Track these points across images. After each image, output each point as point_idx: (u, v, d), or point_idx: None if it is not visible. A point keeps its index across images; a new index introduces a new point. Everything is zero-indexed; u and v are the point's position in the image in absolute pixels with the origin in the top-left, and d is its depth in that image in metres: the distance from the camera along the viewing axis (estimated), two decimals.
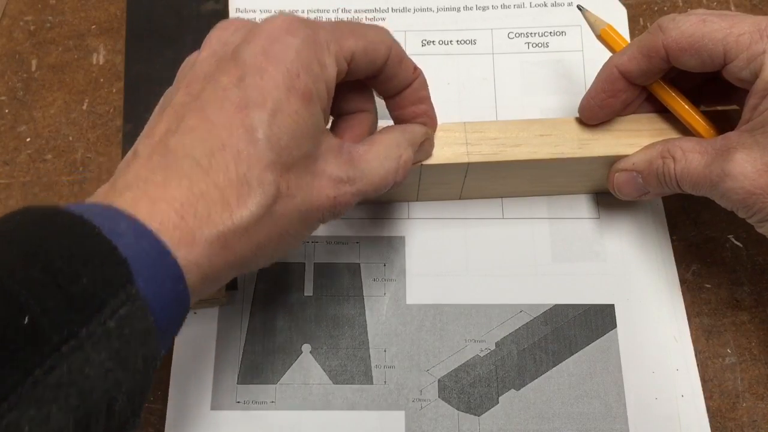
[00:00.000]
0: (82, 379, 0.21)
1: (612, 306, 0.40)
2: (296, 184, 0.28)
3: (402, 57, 0.33)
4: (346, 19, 0.47)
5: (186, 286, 0.25)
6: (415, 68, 0.34)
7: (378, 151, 0.32)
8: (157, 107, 0.30)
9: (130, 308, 0.23)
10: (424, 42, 0.47)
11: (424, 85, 0.35)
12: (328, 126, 0.33)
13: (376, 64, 0.32)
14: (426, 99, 0.35)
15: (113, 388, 0.22)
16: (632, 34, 0.47)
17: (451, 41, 0.47)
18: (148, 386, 0.24)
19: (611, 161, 0.38)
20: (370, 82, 0.34)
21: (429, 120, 0.36)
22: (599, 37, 0.38)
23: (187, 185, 0.26)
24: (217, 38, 0.30)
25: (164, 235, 0.24)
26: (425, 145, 0.36)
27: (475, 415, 0.38)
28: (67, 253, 0.22)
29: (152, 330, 0.23)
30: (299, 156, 0.28)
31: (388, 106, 0.35)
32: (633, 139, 0.38)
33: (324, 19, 0.48)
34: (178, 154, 0.26)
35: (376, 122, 0.36)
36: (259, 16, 0.48)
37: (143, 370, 0.23)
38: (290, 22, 0.29)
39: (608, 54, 0.38)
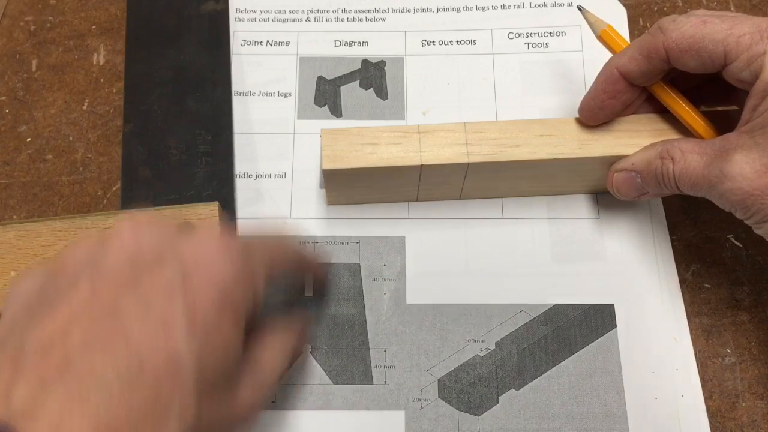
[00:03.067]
0: None
1: (612, 306, 0.41)
2: (216, 414, 0.26)
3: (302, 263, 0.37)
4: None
5: None
6: (317, 266, 0.39)
7: (271, 356, 0.31)
8: (34, 286, 0.25)
9: None
10: (424, 42, 0.47)
11: (324, 270, 0.40)
12: None
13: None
14: (324, 268, 0.40)
15: None
16: (632, 35, 0.47)
17: (451, 41, 0.47)
18: None
19: (611, 161, 0.38)
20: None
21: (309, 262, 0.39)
22: (599, 38, 0.38)
23: (93, 413, 0.21)
24: (132, 241, 0.26)
25: None
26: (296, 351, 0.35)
27: (475, 415, 0.38)
28: None
29: None
30: (222, 381, 0.26)
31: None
32: (633, 140, 0.38)
33: (324, 20, 0.48)
34: (84, 372, 0.22)
35: None
36: (259, 17, 0.48)
37: None
38: (227, 239, 0.27)
39: (608, 54, 0.38)
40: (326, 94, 0.46)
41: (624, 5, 0.48)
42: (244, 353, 0.28)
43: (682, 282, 0.41)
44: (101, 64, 0.47)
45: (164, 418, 0.23)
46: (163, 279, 0.25)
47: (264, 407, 0.32)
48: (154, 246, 0.26)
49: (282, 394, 0.39)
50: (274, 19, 0.48)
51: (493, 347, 0.40)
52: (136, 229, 0.27)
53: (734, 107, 0.38)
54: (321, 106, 0.45)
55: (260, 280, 0.28)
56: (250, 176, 0.43)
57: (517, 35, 0.47)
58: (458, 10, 0.48)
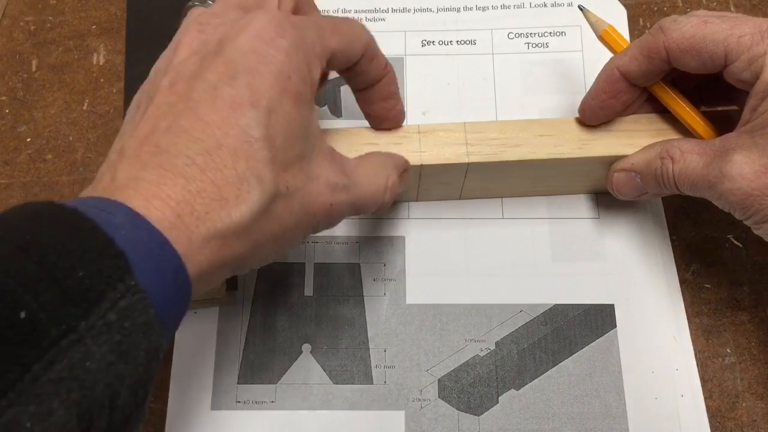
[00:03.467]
0: (83, 373, 0.21)
1: (612, 306, 0.41)
2: (293, 185, 0.28)
3: (375, 53, 0.33)
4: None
5: (188, 277, 0.25)
6: (387, 64, 0.35)
7: (367, 168, 0.32)
8: (135, 105, 0.29)
9: (129, 300, 0.22)
10: (424, 42, 0.47)
11: (394, 80, 0.36)
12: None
13: (352, 60, 0.32)
14: (395, 95, 0.36)
15: (116, 381, 0.22)
16: (632, 35, 0.47)
17: (451, 41, 0.47)
18: (150, 379, 0.24)
19: (611, 161, 0.38)
20: (341, 73, 0.34)
21: (398, 115, 0.37)
22: (600, 38, 0.38)
23: (182, 183, 0.25)
24: (196, 37, 0.29)
25: (161, 231, 0.24)
26: (405, 175, 0.36)
27: (475, 415, 0.38)
28: (61, 246, 0.22)
29: (154, 322, 0.23)
30: (294, 157, 0.28)
31: (358, 100, 0.36)
32: (633, 140, 0.38)
33: None
34: (171, 152, 0.26)
35: None
36: None
37: (145, 363, 0.23)
38: (278, 22, 0.28)
39: (608, 54, 0.38)
40: (326, 95, 0.46)
41: (624, 5, 0.48)
42: (327, 145, 0.31)
43: (682, 282, 0.41)
44: (101, 64, 0.47)
45: (244, 185, 0.26)
46: (227, 67, 0.27)
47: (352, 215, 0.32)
48: (215, 36, 0.28)
49: (282, 394, 0.39)
50: None
51: (493, 347, 0.40)
52: (199, 23, 0.29)
53: (734, 108, 0.38)
54: (321, 107, 0.45)
55: (315, 58, 0.29)
56: None
57: (517, 35, 0.47)
58: (458, 10, 0.48)
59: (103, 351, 0.21)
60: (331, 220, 0.30)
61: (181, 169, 0.25)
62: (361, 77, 0.34)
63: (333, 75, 0.46)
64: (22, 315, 0.20)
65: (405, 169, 0.36)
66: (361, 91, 0.35)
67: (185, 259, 0.25)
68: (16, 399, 0.20)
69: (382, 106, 0.36)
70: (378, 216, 0.43)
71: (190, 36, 0.29)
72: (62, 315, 0.21)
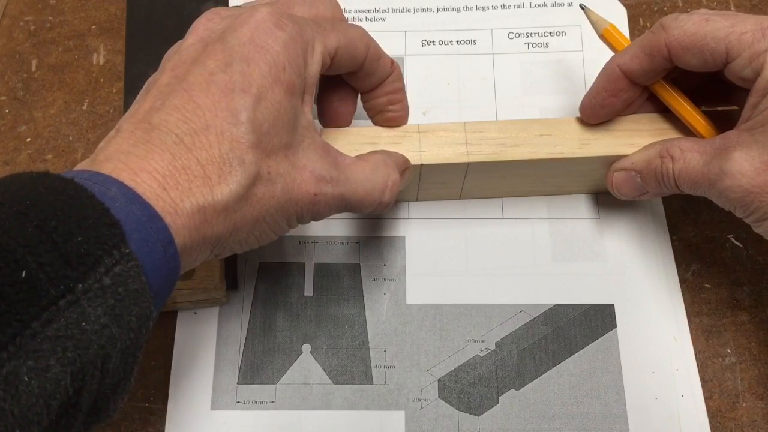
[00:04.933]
0: (79, 333, 0.22)
1: (612, 306, 0.40)
2: (276, 171, 0.29)
3: (380, 53, 0.34)
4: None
5: (176, 251, 0.26)
6: (393, 62, 0.36)
7: (365, 166, 0.33)
8: (142, 91, 0.31)
9: (123, 267, 0.23)
10: (424, 42, 0.47)
11: (400, 76, 0.37)
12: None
13: (357, 60, 0.33)
14: (401, 90, 0.37)
15: (108, 343, 0.23)
16: (632, 34, 0.47)
17: (451, 41, 0.47)
18: (140, 346, 0.25)
19: (611, 161, 0.38)
20: (348, 78, 0.35)
21: (402, 111, 0.37)
22: (602, 37, 0.38)
23: (169, 159, 0.26)
24: (203, 26, 0.31)
25: (149, 203, 0.25)
26: (406, 174, 0.37)
27: (475, 415, 0.38)
28: (60, 213, 0.23)
29: (145, 289, 0.24)
30: (279, 144, 0.29)
31: (364, 100, 0.37)
32: (633, 139, 0.38)
33: None
34: (162, 130, 0.27)
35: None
36: None
37: (136, 329, 0.24)
38: (279, 15, 0.30)
39: (608, 54, 0.38)
40: None
41: (624, 5, 0.48)
42: (322, 140, 0.32)
43: (682, 282, 0.41)
44: (101, 64, 0.47)
45: (227, 165, 0.27)
46: (225, 55, 0.29)
47: (350, 211, 0.33)
48: (221, 26, 0.30)
49: (282, 394, 0.39)
50: None
51: (493, 347, 0.40)
52: (209, 16, 0.31)
53: (734, 107, 0.38)
54: None
55: (314, 53, 0.31)
56: None
57: (517, 35, 0.47)
58: (458, 10, 0.48)
59: (97, 313, 0.22)
60: (315, 210, 0.31)
61: (170, 147, 0.27)
62: (370, 78, 0.35)
63: None
64: (23, 274, 0.21)
65: (406, 168, 0.36)
66: (368, 92, 0.36)
67: (172, 228, 0.26)
68: (15, 353, 0.20)
69: (389, 100, 0.36)
70: (379, 215, 0.43)
71: (199, 26, 0.31)
72: (60, 276, 0.22)
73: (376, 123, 0.38)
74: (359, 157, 0.34)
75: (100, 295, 0.22)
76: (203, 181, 0.27)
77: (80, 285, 0.22)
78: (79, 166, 0.27)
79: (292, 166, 0.30)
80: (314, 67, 0.31)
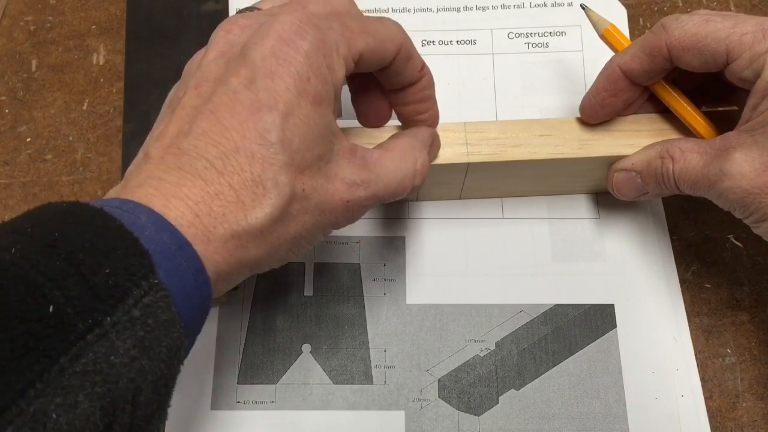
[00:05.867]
0: (107, 367, 0.21)
1: (612, 306, 0.41)
2: (311, 187, 0.28)
3: (410, 55, 0.33)
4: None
5: (207, 278, 0.25)
6: (423, 66, 0.34)
7: (393, 156, 0.32)
8: (165, 106, 0.30)
9: (152, 298, 0.23)
10: (424, 42, 0.47)
11: (431, 84, 0.35)
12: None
13: (385, 61, 0.32)
14: (430, 98, 0.35)
15: (138, 376, 0.22)
16: (632, 34, 0.47)
17: (451, 41, 0.47)
18: (173, 377, 0.24)
19: (611, 161, 0.38)
20: (375, 74, 0.34)
21: (431, 119, 0.36)
22: (602, 37, 0.38)
23: (201, 185, 0.26)
24: (223, 38, 0.30)
25: (180, 231, 0.25)
26: (434, 146, 0.36)
27: (475, 415, 0.38)
28: (88, 244, 0.22)
29: (176, 320, 0.24)
30: (311, 159, 0.28)
31: (392, 100, 0.35)
32: (633, 140, 0.38)
33: None
34: (192, 155, 0.26)
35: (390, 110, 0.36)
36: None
37: (167, 360, 0.23)
38: (299, 23, 0.28)
39: (608, 54, 0.38)
40: None
41: (624, 5, 0.48)
42: (348, 142, 0.31)
43: (682, 282, 0.41)
44: (101, 64, 0.47)
45: (260, 188, 0.26)
46: (247, 71, 0.28)
47: (368, 200, 0.31)
48: (241, 39, 0.29)
49: (282, 394, 0.39)
50: None
51: (493, 347, 0.40)
52: (227, 27, 0.30)
53: (734, 108, 0.38)
54: None
55: (339, 58, 0.29)
56: None
57: (517, 35, 0.47)
58: (458, 10, 0.48)
59: (126, 346, 0.22)
60: (350, 215, 0.30)
61: (201, 172, 0.26)
62: (396, 78, 0.33)
63: None
64: (51, 309, 0.21)
65: (433, 141, 0.35)
66: (395, 92, 0.35)
67: (204, 257, 0.25)
68: (43, 390, 0.20)
69: (416, 109, 0.35)
70: (379, 216, 0.42)
71: (219, 38, 0.30)
72: (89, 310, 0.21)
73: (404, 126, 0.37)
74: (383, 146, 0.33)
75: (129, 327, 0.22)
76: (237, 206, 0.26)
77: (109, 318, 0.22)
78: (111, 193, 0.27)
79: (325, 178, 0.29)
80: (339, 73, 0.29)
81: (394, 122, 0.37)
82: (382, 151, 0.32)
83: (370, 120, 0.36)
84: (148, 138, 0.29)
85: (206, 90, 0.28)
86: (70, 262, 0.22)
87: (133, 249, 0.23)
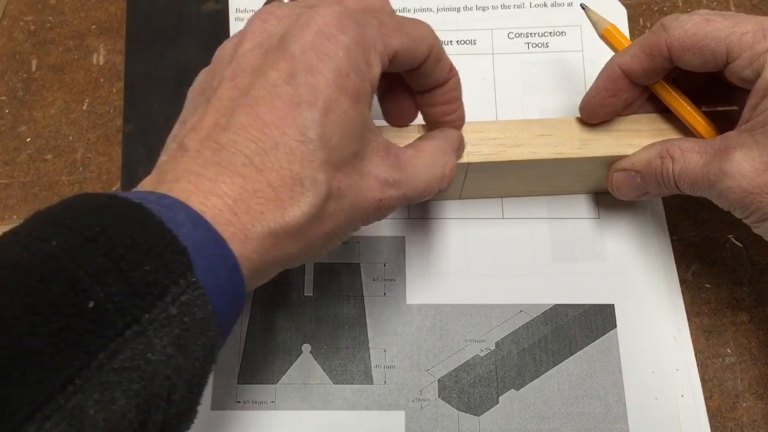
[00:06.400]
0: (144, 364, 0.21)
1: (612, 306, 0.41)
2: (346, 185, 0.28)
3: (440, 56, 0.33)
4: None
5: (242, 277, 0.25)
6: (451, 68, 0.34)
7: (425, 158, 0.32)
8: (197, 93, 0.29)
9: (190, 296, 0.23)
10: None
11: (458, 85, 0.35)
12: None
13: (416, 61, 0.31)
14: (458, 99, 0.35)
15: (174, 374, 0.22)
16: (632, 34, 0.47)
17: (451, 41, 0.47)
18: (205, 376, 0.24)
19: (611, 161, 0.38)
20: (404, 74, 0.33)
21: (458, 121, 0.36)
22: (602, 36, 0.38)
23: (240, 182, 0.26)
24: (260, 27, 0.29)
25: (217, 228, 0.25)
26: (460, 150, 0.36)
27: (475, 415, 0.38)
28: (129, 240, 0.22)
29: (211, 318, 0.24)
30: (348, 156, 0.28)
31: (418, 101, 0.35)
32: (633, 140, 0.38)
33: None
34: (230, 151, 0.26)
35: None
36: None
37: (202, 359, 0.23)
38: (340, 17, 0.28)
39: (609, 54, 0.38)
40: None
41: (624, 5, 0.48)
42: (382, 139, 0.30)
43: (682, 282, 0.41)
44: (101, 64, 0.47)
45: (298, 186, 0.26)
46: (287, 64, 0.27)
47: (401, 200, 0.31)
48: (279, 30, 0.28)
49: (282, 394, 0.39)
50: None
51: (493, 347, 0.40)
52: (264, 17, 0.29)
53: (734, 107, 0.38)
54: None
55: (376, 55, 0.29)
56: None
57: (517, 35, 0.47)
58: (458, 10, 0.48)
59: (163, 343, 0.22)
60: (380, 213, 0.30)
61: (239, 168, 0.26)
62: (425, 79, 0.33)
63: None
64: (91, 305, 0.21)
65: (460, 144, 0.35)
66: (422, 93, 0.34)
67: (239, 256, 0.25)
68: (81, 386, 0.20)
69: (443, 110, 0.35)
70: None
71: (255, 27, 0.29)
72: (128, 306, 0.22)
73: (430, 127, 0.37)
74: (415, 146, 0.33)
75: (166, 324, 0.22)
76: (275, 204, 0.26)
77: (147, 315, 0.22)
78: (146, 185, 0.26)
79: (360, 176, 0.29)
80: (376, 70, 0.29)
81: (418, 121, 0.37)
82: (414, 152, 0.32)
83: (396, 119, 0.36)
84: (178, 126, 0.29)
85: (243, 82, 0.28)
86: (111, 258, 0.22)
87: (172, 246, 0.23)
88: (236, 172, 0.26)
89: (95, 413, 0.20)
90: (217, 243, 0.25)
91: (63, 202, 0.24)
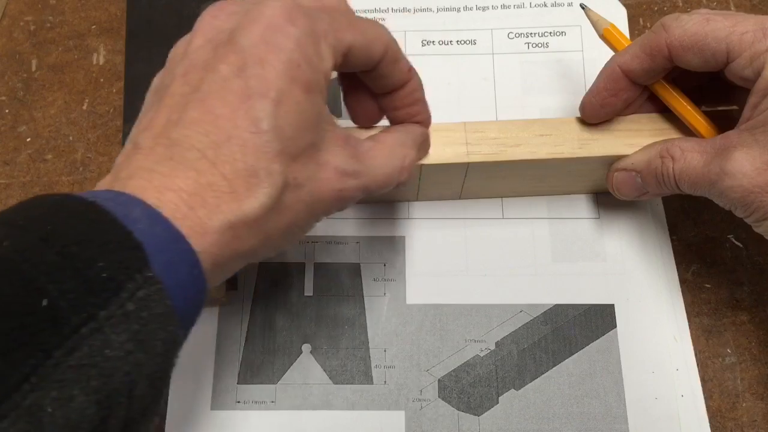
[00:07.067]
0: (102, 361, 0.21)
1: (612, 306, 0.41)
2: (303, 175, 0.28)
3: (397, 57, 0.32)
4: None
5: (202, 272, 0.25)
6: (410, 69, 0.33)
7: (383, 150, 0.32)
8: (150, 95, 0.30)
9: (147, 291, 0.23)
10: (424, 42, 0.47)
11: (419, 86, 0.34)
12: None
13: (371, 60, 0.31)
14: (420, 101, 0.35)
15: (134, 370, 0.22)
16: (632, 34, 0.47)
17: (451, 41, 0.47)
18: (168, 371, 0.24)
19: (611, 161, 0.38)
20: (362, 76, 0.33)
21: (424, 123, 0.36)
22: (602, 37, 0.38)
23: (194, 176, 0.25)
24: (210, 24, 0.29)
25: (174, 223, 0.25)
26: (424, 145, 0.36)
27: (475, 415, 0.38)
28: (82, 237, 0.22)
29: (171, 313, 0.24)
30: (304, 146, 0.28)
31: (382, 105, 0.35)
32: (633, 139, 0.38)
33: None
34: (183, 146, 0.26)
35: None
36: None
37: (163, 354, 0.23)
38: (289, 10, 0.28)
39: (609, 54, 0.38)
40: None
41: (624, 5, 0.48)
42: (340, 129, 0.30)
43: (682, 282, 0.41)
44: (101, 64, 0.47)
45: (254, 178, 0.26)
46: (237, 58, 0.27)
47: (365, 198, 0.31)
48: (229, 25, 0.28)
49: (282, 394, 0.39)
50: None
51: (493, 347, 0.40)
52: (214, 13, 0.29)
53: (734, 107, 0.38)
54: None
55: (328, 48, 0.29)
56: None
57: (517, 35, 0.47)
58: (458, 10, 0.48)
59: (121, 339, 0.22)
60: (341, 204, 0.30)
61: (193, 163, 0.26)
62: (384, 80, 0.33)
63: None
64: (44, 303, 0.21)
65: (424, 140, 0.35)
66: (384, 96, 0.34)
67: (198, 251, 0.25)
68: (37, 384, 0.20)
69: (407, 113, 0.35)
70: (380, 216, 0.42)
71: (205, 24, 0.29)
72: (83, 303, 0.21)
73: None
74: (374, 138, 0.33)
75: (123, 321, 0.22)
76: (231, 197, 0.26)
77: (103, 311, 0.22)
78: (101, 184, 0.26)
79: (317, 166, 0.29)
80: (328, 62, 0.29)
81: (385, 122, 0.37)
82: (373, 143, 0.32)
83: (361, 120, 0.36)
84: (134, 128, 0.29)
85: (194, 77, 0.27)
86: (64, 256, 0.22)
87: (127, 242, 0.23)
88: (190, 167, 0.26)
89: (54, 411, 0.20)
90: (176, 238, 0.24)
91: (17, 205, 0.24)
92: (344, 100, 0.36)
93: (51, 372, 0.20)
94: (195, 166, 0.26)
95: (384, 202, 0.43)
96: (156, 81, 0.30)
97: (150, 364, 0.23)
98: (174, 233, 0.24)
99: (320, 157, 0.29)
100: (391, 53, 0.32)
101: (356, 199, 0.31)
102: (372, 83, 0.33)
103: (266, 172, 0.26)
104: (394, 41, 0.32)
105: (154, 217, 0.24)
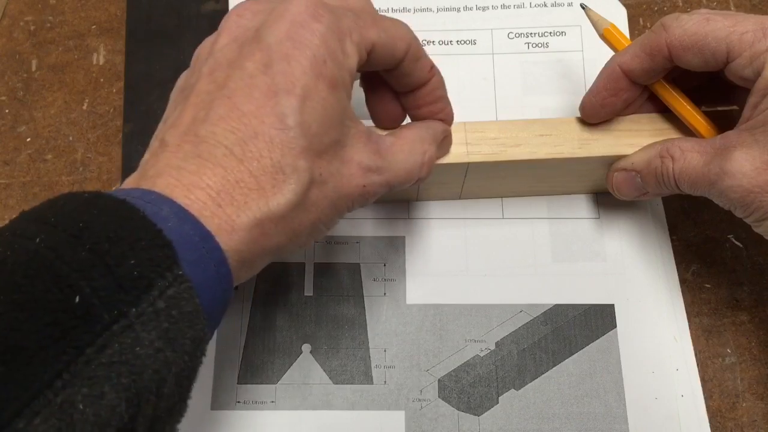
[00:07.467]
0: (133, 358, 0.22)
1: (612, 306, 0.41)
2: (327, 171, 0.28)
3: (419, 55, 0.33)
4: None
5: (229, 270, 0.25)
6: (432, 67, 0.34)
7: (404, 145, 0.32)
8: (176, 93, 0.30)
9: (177, 289, 0.23)
10: (424, 42, 0.47)
11: (441, 84, 0.35)
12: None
13: (394, 58, 0.31)
14: (442, 98, 0.35)
15: (163, 368, 0.22)
16: (632, 34, 0.47)
17: (451, 41, 0.47)
18: (195, 370, 0.24)
19: (611, 161, 0.38)
20: (385, 75, 0.33)
21: (445, 118, 0.36)
22: (602, 36, 0.38)
23: (221, 173, 0.26)
24: (236, 22, 0.29)
25: (203, 221, 0.25)
26: (445, 142, 0.36)
27: (475, 415, 0.38)
28: (113, 235, 0.23)
29: (199, 312, 0.24)
30: (329, 142, 0.28)
31: (404, 104, 0.35)
32: (633, 139, 0.38)
33: None
34: (210, 143, 0.26)
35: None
36: None
37: (191, 352, 0.24)
38: (314, 7, 0.28)
39: (609, 54, 0.38)
40: None
41: (624, 5, 0.48)
42: (363, 125, 0.31)
43: (682, 282, 0.41)
44: (101, 64, 0.47)
45: (280, 174, 0.26)
46: (263, 55, 0.27)
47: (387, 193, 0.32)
48: (254, 23, 0.29)
49: (282, 394, 0.39)
50: None
51: (493, 347, 0.40)
52: (239, 11, 0.30)
53: (734, 107, 0.38)
54: None
55: (353, 44, 0.29)
56: None
57: (517, 35, 0.47)
58: (458, 10, 0.48)
59: (151, 337, 0.22)
60: (364, 199, 0.30)
61: (220, 160, 0.26)
62: (406, 79, 0.33)
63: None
64: (77, 300, 0.21)
65: (445, 137, 0.35)
66: (406, 95, 0.34)
67: (226, 248, 0.25)
68: (70, 381, 0.20)
69: (429, 110, 0.35)
70: (379, 216, 0.42)
71: (231, 23, 0.30)
72: (114, 301, 0.22)
73: None
74: (395, 134, 0.33)
75: (153, 318, 0.22)
76: (258, 194, 0.26)
77: (134, 309, 0.22)
78: (129, 183, 0.26)
79: (341, 162, 0.29)
80: (353, 59, 0.29)
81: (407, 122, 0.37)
82: (394, 139, 0.32)
83: (383, 121, 0.36)
84: (161, 125, 0.29)
85: (220, 75, 0.28)
86: (96, 253, 0.22)
87: (158, 240, 0.23)
88: (217, 164, 0.26)
89: (85, 408, 0.20)
90: (204, 236, 0.25)
91: (47, 202, 0.24)
92: (367, 102, 0.36)
93: (83, 369, 0.21)
94: (222, 163, 0.26)
95: (384, 202, 0.43)
96: (181, 80, 0.30)
97: (178, 362, 0.23)
98: (202, 231, 0.25)
99: (344, 153, 0.29)
100: (414, 51, 0.32)
101: (379, 194, 0.31)
102: (394, 81, 0.34)
103: (292, 168, 0.26)
104: (417, 39, 0.32)
105: (183, 215, 0.24)
